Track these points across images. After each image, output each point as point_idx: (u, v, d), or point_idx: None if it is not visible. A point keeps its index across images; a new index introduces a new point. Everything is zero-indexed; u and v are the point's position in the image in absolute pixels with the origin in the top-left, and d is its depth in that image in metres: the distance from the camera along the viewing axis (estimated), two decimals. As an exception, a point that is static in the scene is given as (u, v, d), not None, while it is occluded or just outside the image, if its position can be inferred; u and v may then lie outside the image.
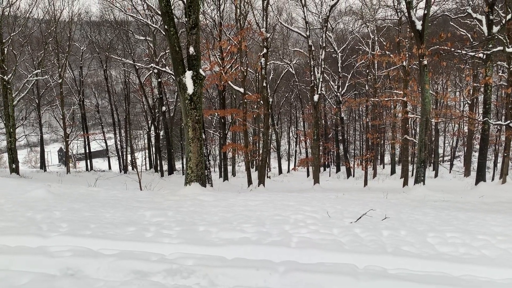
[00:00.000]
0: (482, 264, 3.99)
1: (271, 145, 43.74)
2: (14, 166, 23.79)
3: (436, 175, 33.79)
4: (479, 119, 20.78)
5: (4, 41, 24.13)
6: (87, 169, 40.41)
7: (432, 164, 40.14)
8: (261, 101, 22.01)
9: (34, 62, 33.02)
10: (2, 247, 3.96)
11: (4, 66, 23.73)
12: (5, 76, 23.64)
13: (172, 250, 4.12)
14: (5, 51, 24.32)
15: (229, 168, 34.77)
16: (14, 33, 26.54)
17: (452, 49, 12.36)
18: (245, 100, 23.02)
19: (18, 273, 3.28)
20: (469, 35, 22.11)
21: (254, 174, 25.80)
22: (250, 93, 26.96)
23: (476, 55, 16.78)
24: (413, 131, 40.92)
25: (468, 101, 31.37)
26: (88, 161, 41.20)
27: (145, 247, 4.20)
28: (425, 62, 14.51)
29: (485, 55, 16.79)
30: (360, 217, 6.36)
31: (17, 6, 42.15)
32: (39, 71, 29.57)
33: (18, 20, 28.57)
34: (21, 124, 40.12)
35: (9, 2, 25.60)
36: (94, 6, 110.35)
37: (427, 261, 4.03)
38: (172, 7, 11.70)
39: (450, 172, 38.73)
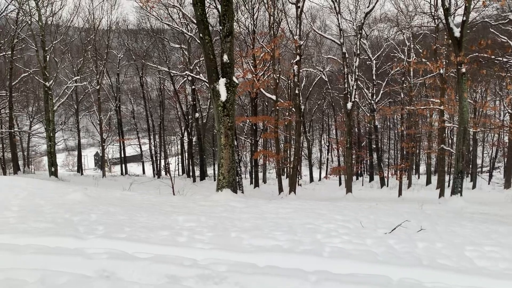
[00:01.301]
0: (524, 280, 3.82)
1: (303, 153, 43.53)
2: (53, 169, 24.62)
3: (474, 187, 32.65)
4: (520, 129, 19.98)
5: (46, 48, 25.13)
6: (122, 173, 41.39)
7: (469, 175, 38.79)
8: (293, 108, 21.94)
9: (74, 69, 34.20)
10: (43, 247, 4.10)
11: (46, 73, 24.70)
12: (47, 83, 24.60)
13: (204, 256, 4.15)
14: (47, 58, 25.33)
15: (260, 175, 34.83)
16: (56, 41, 27.65)
17: (493, 57, 11.98)
18: (277, 107, 23.03)
19: (56, 273, 3.38)
20: (511, 42, 21.35)
21: (285, 182, 25.69)
22: (282, 100, 27.00)
23: (518, 63, 16.17)
24: (450, 141, 39.73)
25: (509, 111, 30.21)
26: (123, 165, 42.19)
27: (178, 252, 4.25)
28: (464, 70, 14.09)
29: (527, 63, 16.15)
30: (394, 228, 6.22)
31: (59, 15, 43.94)
32: (78, 77, 30.60)
33: (60, 28, 29.74)
34: (60, 128, 41.73)
35: (52, 12, 26.77)
36: (131, 14, 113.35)
37: (464, 275, 3.89)
38: (207, 15, 11.89)
39: (489, 183, 37.29)
